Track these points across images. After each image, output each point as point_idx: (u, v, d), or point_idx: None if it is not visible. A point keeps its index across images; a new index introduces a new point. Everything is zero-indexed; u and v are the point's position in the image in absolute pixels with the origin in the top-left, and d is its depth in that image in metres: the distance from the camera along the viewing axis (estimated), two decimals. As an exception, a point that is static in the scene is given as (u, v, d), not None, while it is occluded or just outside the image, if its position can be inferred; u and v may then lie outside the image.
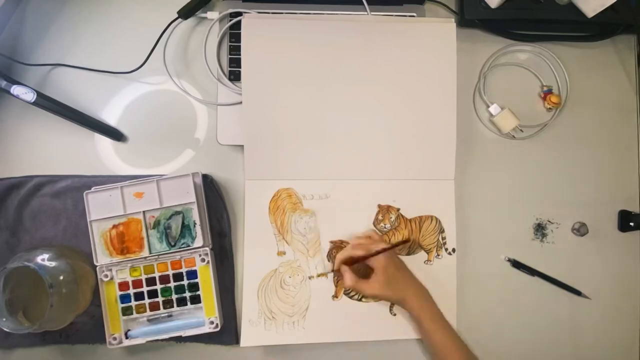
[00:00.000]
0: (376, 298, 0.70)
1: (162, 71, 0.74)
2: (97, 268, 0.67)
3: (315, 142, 0.71)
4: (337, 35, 0.71)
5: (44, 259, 0.63)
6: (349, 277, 0.66)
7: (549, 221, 0.75)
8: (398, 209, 0.73)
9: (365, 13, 0.73)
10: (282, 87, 0.70)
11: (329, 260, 0.71)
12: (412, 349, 0.72)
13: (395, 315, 0.71)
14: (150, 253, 0.68)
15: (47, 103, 0.70)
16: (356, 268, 0.68)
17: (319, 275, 0.71)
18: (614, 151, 0.77)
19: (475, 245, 0.74)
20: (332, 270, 0.70)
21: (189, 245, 0.68)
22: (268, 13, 0.73)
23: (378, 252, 0.66)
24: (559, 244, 0.75)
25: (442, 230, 0.73)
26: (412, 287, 0.68)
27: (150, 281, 0.68)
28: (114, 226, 0.68)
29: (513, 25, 0.77)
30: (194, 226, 0.68)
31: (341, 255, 0.68)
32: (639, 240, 0.76)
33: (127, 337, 0.67)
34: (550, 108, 0.76)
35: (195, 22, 0.75)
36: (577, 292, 0.74)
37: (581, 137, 0.77)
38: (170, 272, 0.68)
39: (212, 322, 0.68)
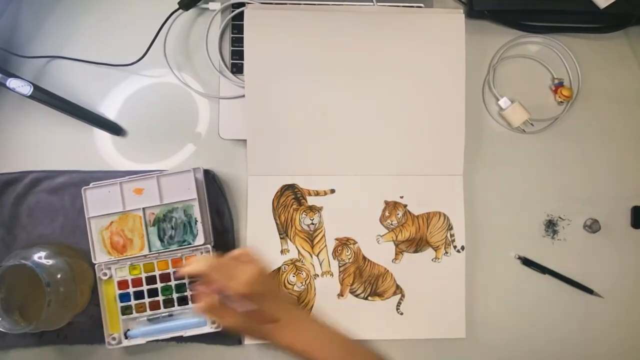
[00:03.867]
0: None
1: (163, 63, 0.72)
2: (96, 266, 0.66)
3: (320, 136, 0.70)
4: (342, 27, 0.69)
5: (40, 256, 0.62)
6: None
7: (560, 218, 0.74)
8: (405, 205, 0.71)
9: (372, 3, 0.71)
10: (286, 80, 0.69)
11: (334, 258, 0.70)
12: (419, 348, 0.71)
13: (402, 314, 0.70)
14: (150, 251, 0.66)
15: (44, 96, 0.69)
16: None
17: (324, 274, 0.70)
18: (626, 145, 0.75)
19: (485, 242, 0.72)
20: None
21: (190, 243, 0.67)
22: (271, 4, 0.72)
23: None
24: (571, 241, 0.73)
25: (450, 227, 0.71)
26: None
27: (151, 279, 0.67)
28: (113, 223, 0.67)
29: (523, 16, 0.75)
30: (195, 223, 0.67)
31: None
32: (653, 238, 0.74)
33: (126, 337, 0.66)
34: (561, 101, 0.75)
35: (197, 13, 0.74)
36: (589, 291, 0.72)
37: (593, 131, 0.75)
38: (171, 270, 0.67)
39: (214, 322, 0.66)
